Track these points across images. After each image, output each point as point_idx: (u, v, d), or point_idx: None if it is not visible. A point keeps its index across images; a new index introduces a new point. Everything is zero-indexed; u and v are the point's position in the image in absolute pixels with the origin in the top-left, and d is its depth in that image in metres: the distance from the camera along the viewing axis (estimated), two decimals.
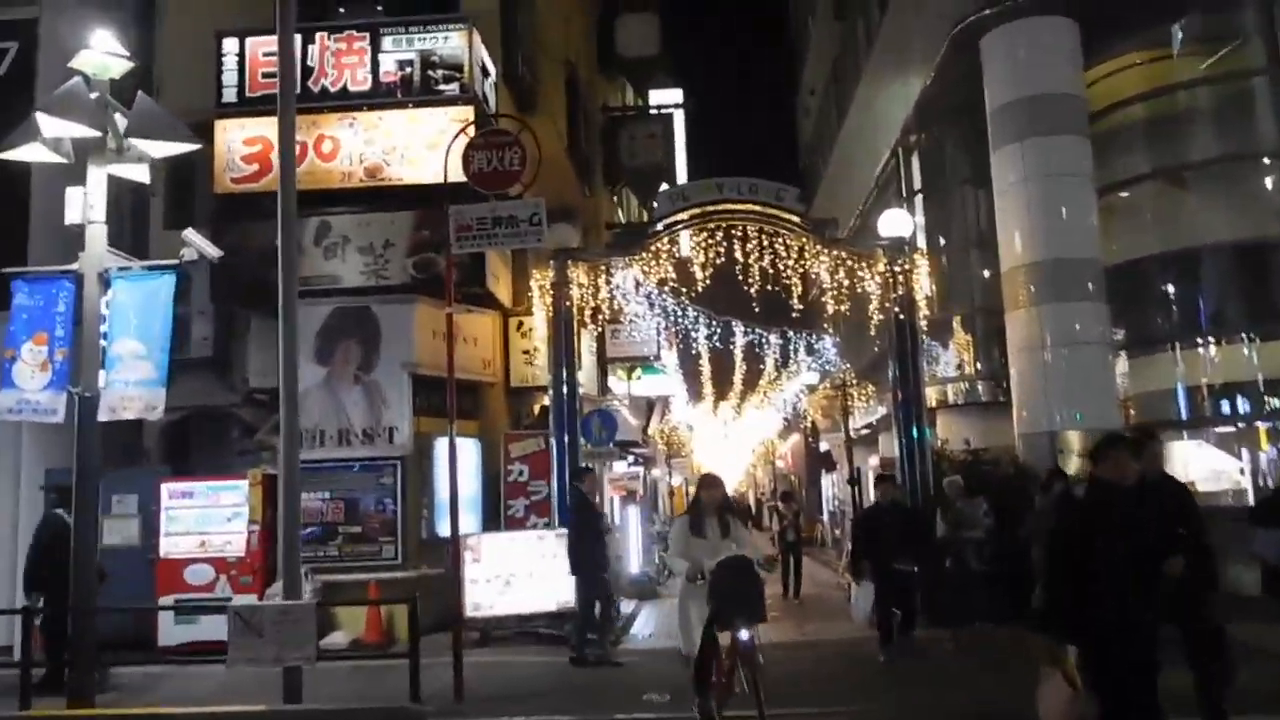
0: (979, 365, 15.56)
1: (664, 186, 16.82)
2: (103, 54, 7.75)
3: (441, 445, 11.39)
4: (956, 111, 15.62)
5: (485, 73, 12.19)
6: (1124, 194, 13.27)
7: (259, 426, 11.80)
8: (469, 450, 11.82)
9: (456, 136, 8.95)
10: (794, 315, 12.46)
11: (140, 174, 8.50)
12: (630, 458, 25.87)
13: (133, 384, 7.97)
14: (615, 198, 20.89)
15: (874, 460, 19.65)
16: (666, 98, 21.73)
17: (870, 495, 20.58)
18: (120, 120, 7.93)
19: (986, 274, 15.63)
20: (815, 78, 27.27)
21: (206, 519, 10.68)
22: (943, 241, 16.69)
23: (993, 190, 13.14)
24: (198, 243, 8.35)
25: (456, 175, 8.54)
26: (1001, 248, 12.57)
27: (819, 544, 24.99)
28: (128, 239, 12.48)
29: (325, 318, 11.16)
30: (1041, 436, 11.79)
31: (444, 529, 11.23)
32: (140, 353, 8.31)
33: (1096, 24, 12.41)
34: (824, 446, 24.03)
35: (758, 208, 11.95)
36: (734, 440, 31.38)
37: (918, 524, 9.24)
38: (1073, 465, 11.12)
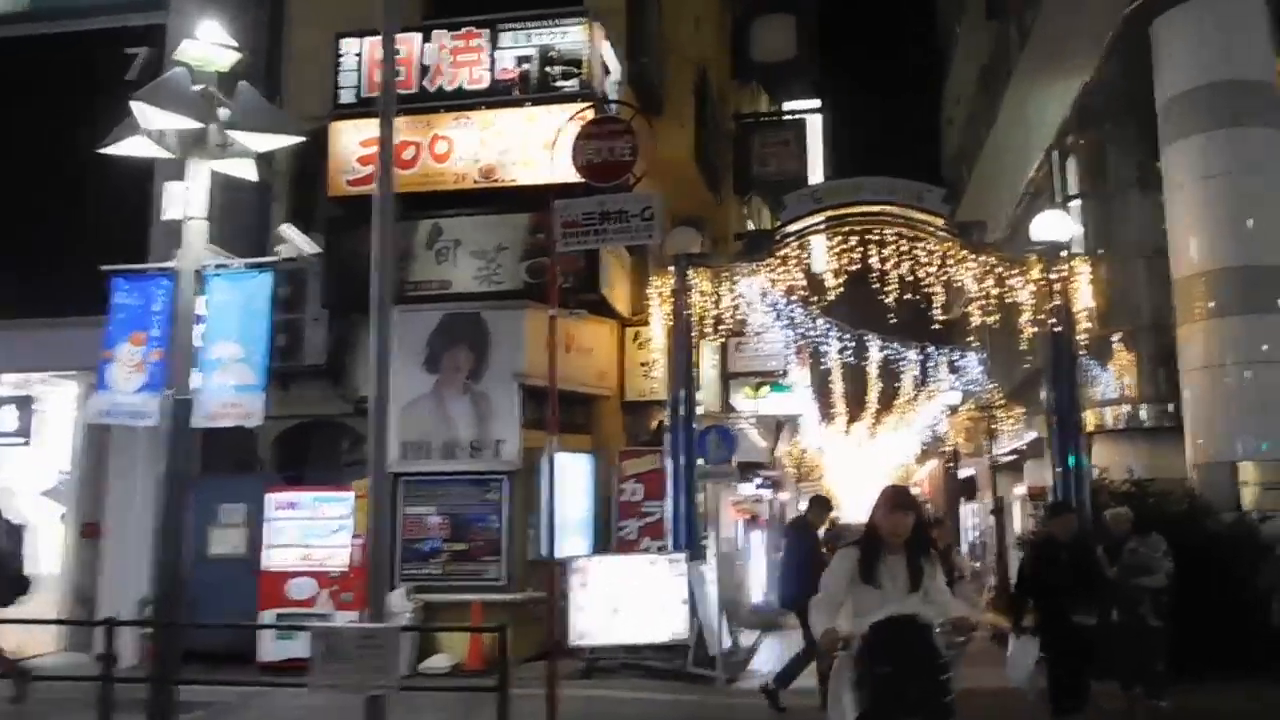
0: (1143, 387, 14.03)
1: None
2: (208, 44, 7.41)
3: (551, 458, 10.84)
4: (1121, 109, 14.24)
5: (607, 70, 11.62)
6: None
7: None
8: (580, 467, 11.20)
9: (569, 121, 8.32)
10: (935, 328, 11.35)
11: (245, 170, 8.12)
12: (757, 479, 24.96)
13: (230, 389, 7.55)
14: (745, 208, 20.06)
15: (1020, 489, 18.14)
16: (803, 106, 20.82)
17: (1016, 524, 19.11)
18: (224, 113, 7.58)
19: (1152, 287, 14.15)
20: (961, 86, 25.87)
21: (310, 531, 10.34)
22: (1101, 252, 15.19)
23: (1163, 192, 11.80)
24: (294, 238, 7.94)
25: (570, 175, 8.00)
26: (1174, 254, 11.20)
27: (957, 578, 23.46)
28: (250, 242, 12.45)
29: (435, 324, 10.72)
30: (1220, 467, 10.39)
31: (554, 550, 10.66)
32: (239, 355, 7.90)
33: None
34: (964, 473, 22.51)
35: (897, 210, 10.96)
36: (868, 464, 29.86)
37: (1095, 567, 7.43)
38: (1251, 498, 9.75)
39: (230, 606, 9.55)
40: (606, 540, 11.16)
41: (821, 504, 9.42)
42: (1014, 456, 18.59)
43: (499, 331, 10.61)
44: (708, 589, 9.98)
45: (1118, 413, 14.36)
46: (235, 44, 7.38)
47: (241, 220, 11.76)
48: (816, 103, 21.45)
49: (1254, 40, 10.78)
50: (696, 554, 10.38)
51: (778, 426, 23.53)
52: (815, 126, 19.84)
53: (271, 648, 9.60)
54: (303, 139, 8.31)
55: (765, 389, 17.33)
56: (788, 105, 20.94)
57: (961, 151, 25.17)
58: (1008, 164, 18.63)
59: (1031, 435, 15.78)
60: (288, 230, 7.99)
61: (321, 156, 11.41)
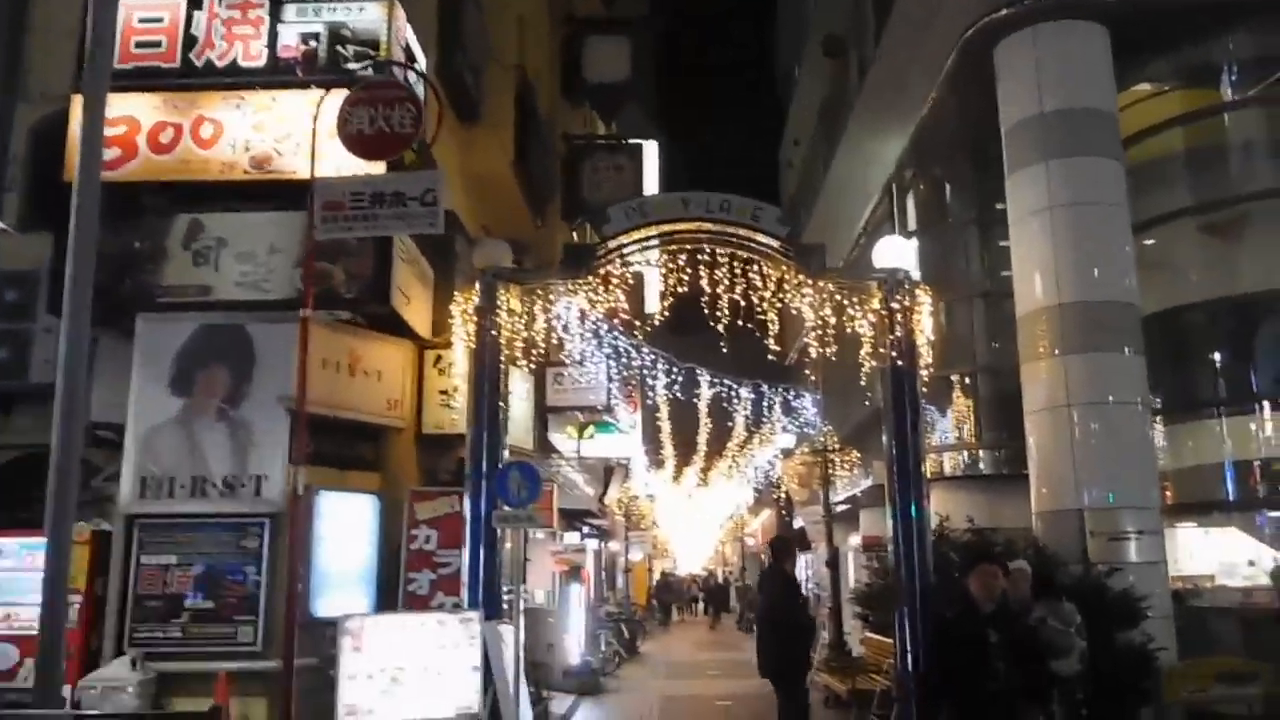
0: (982, 433, 13.58)
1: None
2: None
3: (327, 502, 9.31)
4: (959, 142, 13.99)
5: (411, 58, 10.29)
6: (1159, 232, 11.45)
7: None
8: (363, 509, 9.67)
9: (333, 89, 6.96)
10: (769, 358, 10.43)
11: None
12: (584, 529, 23.73)
13: None
14: (575, 234, 18.98)
15: (855, 539, 17.54)
16: (638, 136, 20.00)
17: (850, 577, 18.36)
18: None
19: (991, 328, 13.81)
20: (800, 127, 25.83)
21: (15, 585, 8.42)
22: (936, 292, 14.85)
23: (1002, 227, 11.36)
24: None
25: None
26: (1018, 288, 10.69)
27: None
28: None
29: (187, 337, 9.04)
30: (1065, 515, 9.78)
31: (324, 607, 9.06)
32: None
33: (1128, 36, 10.72)
34: (799, 523, 21.89)
35: (729, 229, 10.04)
36: (701, 513, 29.13)
37: (1038, 649, 5.51)
38: (1106, 551, 9.15)
39: None
40: (393, 596, 9.61)
41: (789, 547, 9.12)
42: (847, 506, 18.02)
43: (266, 347, 9.02)
44: (505, 652, 8.61)
45: (955, 459, 13.89)
46: None
47: None
48: (653, 144, 20.76)
49: (1096, 69, 10.48)
50: (495, 611, 9.01)
51: (607, 471, 22.44)
52: (652, 155, 19.02)
53: None
54: None
55: (590, 430, 16.18)
56: (622, 135, 20.10)
57: (801, 193, 25.01)
58: (846, 204, 18.31)
59: (867, 483, 15.16)
60: None
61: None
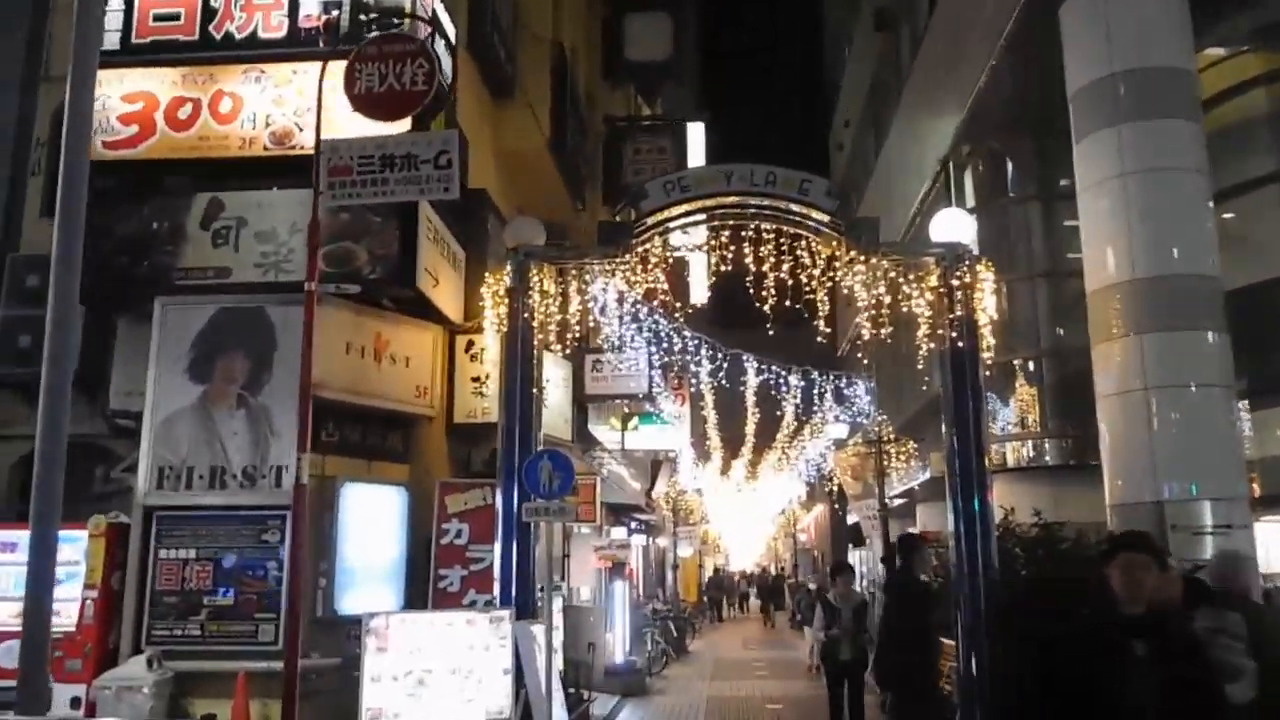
0: (1046, 421, 12.84)
1: None
2: None
3: (352, 493, 8.90)
4: (1019, 114, 13.27)
5: (439, 29, 9.83)
6: (1241, 202, 10.65)
7: None
8: (391, 502, 9.27)
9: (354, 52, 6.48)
10: (819, 341, 9.82)
11: None
12: (632, 524, 23.25)
13: None
14: (617, 218, 18.46)
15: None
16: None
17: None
18: None
19: (1055, 309, 13.05)
20: (850, 108, 25.09)
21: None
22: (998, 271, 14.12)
23: (1066, 202, 10.64)
24: None
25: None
26: (1088, 263, 9.96)
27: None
28: None
29: (205, 321, 8.67)
30: (1143, 509, 9.05)
31: (349, 604, 8.66)
32: None
33: None
34: (853, 517, 21.19)
35: (776, 203, 9.43)
36: (751, 508, 28.47)
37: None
38: (1189, 546, 8.41)
39: None
40: (422, 593, 9.18)
41: (917, 546, 8.96)
42: (903, 501, 17.33)
43: (287, 332, 8.62)
44: (538, 653, 8.12)
45: (1018, 450, 13.15)
46: None
47: None
48: (698, 125, 20.16)
49: (1171, 24, 9.71)
50: (528, 609, 8.52)
51: (654, 465, 21.94)
52: (697, 136, 18.44)
53: None
54: None
55: (634, 421, 15.69)
56: (666, 116, 19.55)
57: (851, 175, 24.30)
58: (899, 184, 17.60)
59: (924, 476, 14.47)
60: None
61: None
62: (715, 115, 20.90)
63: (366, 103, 5.92)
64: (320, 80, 6.44)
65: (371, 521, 9.03)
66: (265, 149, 9.00)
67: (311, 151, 8.77)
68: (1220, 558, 6.04)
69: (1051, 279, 13.09)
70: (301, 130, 8.97)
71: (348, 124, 8.54)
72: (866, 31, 20.89)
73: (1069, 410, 12.78)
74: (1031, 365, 13.17)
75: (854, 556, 23.26)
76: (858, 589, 9.65)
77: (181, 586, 8.34)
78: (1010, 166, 13.72)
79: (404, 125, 8.55)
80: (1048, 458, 12.77)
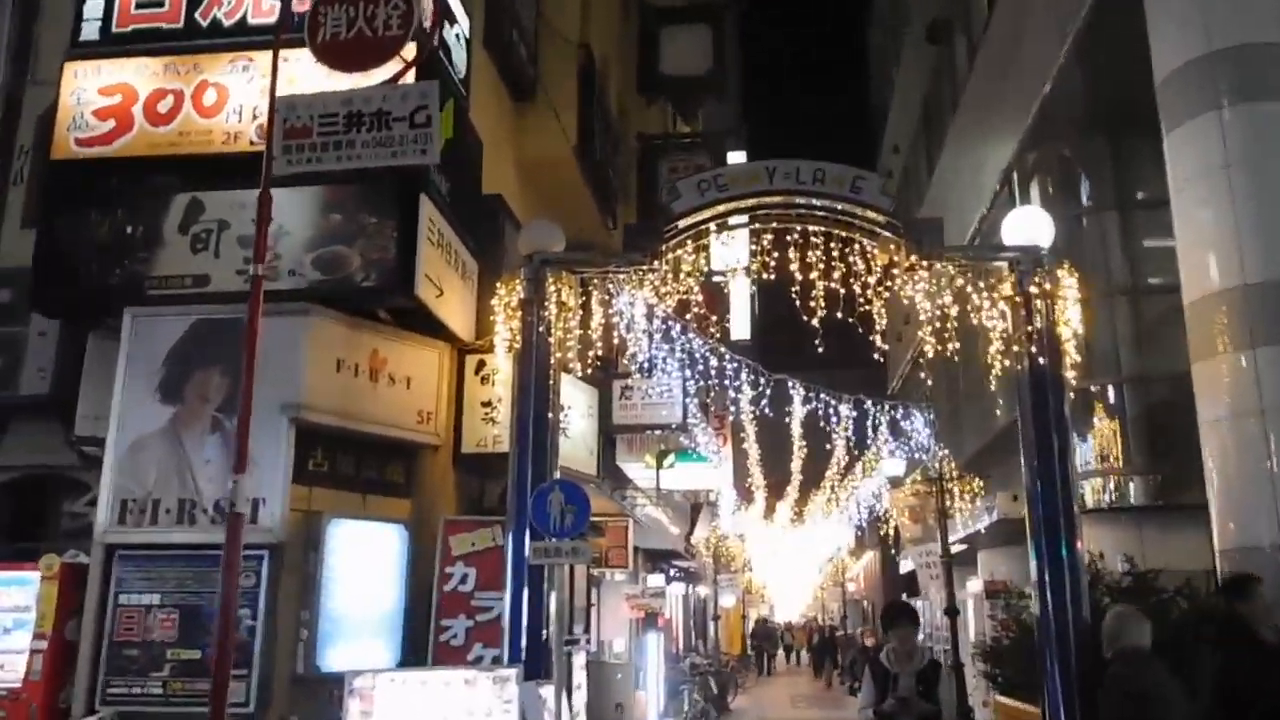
0: (1130, 456, 11.54)
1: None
2: None
3: (342, 532, 7.84)
4: (1092, 116, 12.10)
5: (449, 18, 8.96)
6: None
7: None
8: (388, 542, 8.20)
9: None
10: (877, 358, 8.67)
11: None
12: (670, 570, 21.99)
13: None
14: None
15: (974, 584, 15.45)
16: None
17: (971, 629, 16.01)
18: None
19: (1137, 330, 11.81)
20: (899, 132, 24.02)
21: None
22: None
23: (1146, 211, 9.47)
24: None
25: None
26: (1185, 270, 8.74)
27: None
28: None
29: (180, 335, 7.75)
30: (1260, 554, 7.74)
31: (335, 659, 7.57)
32: None
33: None
34: (906, 565, 19.77)
35: (825, 203, 8.37)
36: (797, 556, 27.04)
37: None
38: None
39: None
40: (422, 647, 8.08)
41: (1250, 588, 6.45)
42: (964, 547, 15.96)
43: (271, 346, 7.55)
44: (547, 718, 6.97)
45: (1098, 488, 11.84)
46: None
47: None
48: (740, 155, 19.18)
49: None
50: (539, 667, 7.39)
51: (694, 509, 20.76)
52: (737, 159, 17.49)
53: None
54: None
55: (671, 458, 14.56)
56: (704, 135, 18.62)
57: (903, 201, 23.17)
58: (956, 203, 16.47)
59: (990, 518, 13.14)
60: None
61: None
62: (756, 134, 19.97)
63: (332, 53, 5.00)
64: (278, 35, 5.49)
65: (364, 564, 7.97)
66: (252, 144, 8.10)
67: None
68: None
69: (1132, 296, 11.84)
70: None
71: None
72: (917, 46, 19.89)
73: (1155, 444, 11.48)
74: (1111, 393, 11.89)
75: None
76: (922, 642, 7.49)
77: (143, 637, 7.33)
78: (1083, 174, 12.55)
79: None
80: (1132, 497, 11.45)
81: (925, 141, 20.34)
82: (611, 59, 15.26)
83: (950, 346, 8.35)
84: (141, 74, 8.38)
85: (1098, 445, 11.78)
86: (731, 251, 15.31)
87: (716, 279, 14.76)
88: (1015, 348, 8.04)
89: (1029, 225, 8.29)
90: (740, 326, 20.87)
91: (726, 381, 10.33)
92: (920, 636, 8.32)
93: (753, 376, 10.50)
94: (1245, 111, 8.30)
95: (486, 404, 9.03)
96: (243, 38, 8.38)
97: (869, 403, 11.86)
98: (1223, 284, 8.28)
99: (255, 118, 8.13)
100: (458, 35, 9.24)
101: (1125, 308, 11.85)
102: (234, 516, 4.95)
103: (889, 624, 7.33)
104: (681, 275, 8.63)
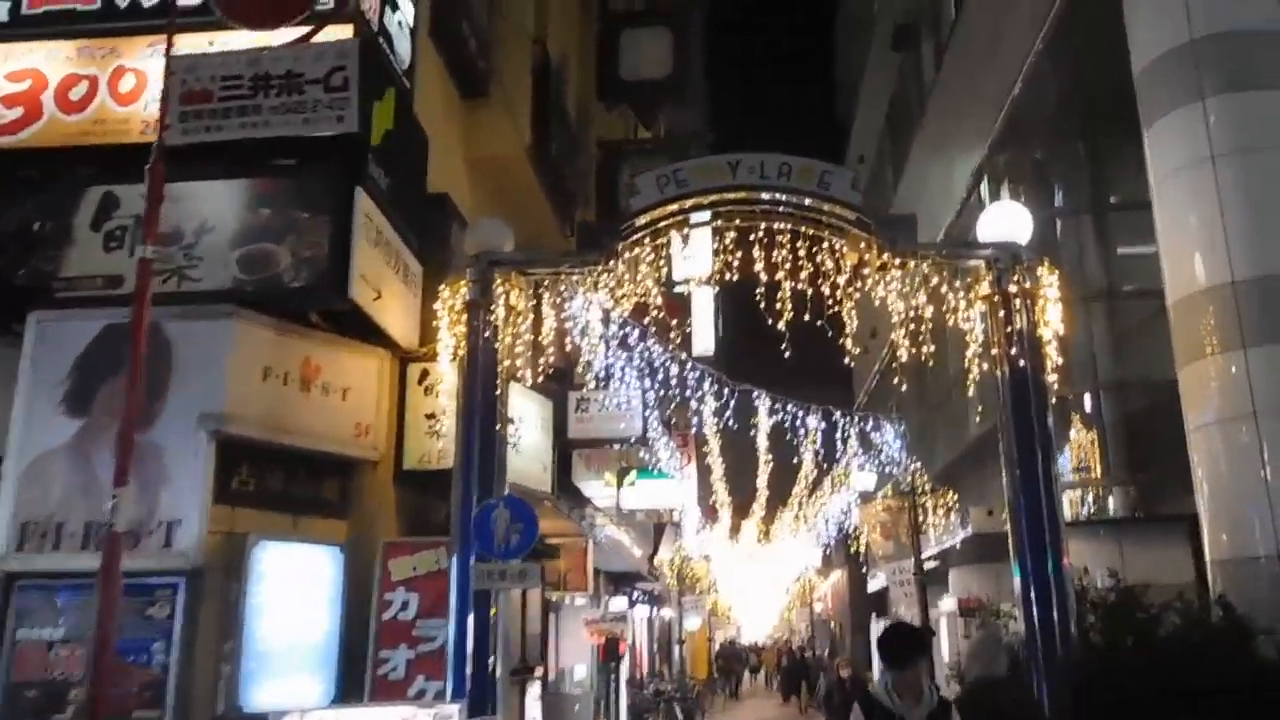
0: (1109, 466, 11.14)
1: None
2: None
3: (270, 555, 7.18)
4: (1065, 115, 11.74)
5: (389, 2, 8.39)
6: None
7: None
8: (321, 566, 7.53)
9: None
10: (848, 364, 8.19)
11: None
12: (634, 594, 21.35)
13: None
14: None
15: (947, 603, 14.96)
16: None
17: (944, 649, 15.49)
18: None
19: (1113, 335, 11.44)
20: (864, 143, 23.72)
21: None
22: None
23: (1121, 214, 9.09)
24: None
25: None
26: (1169, 267, 8.37)
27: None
28: None
29: (89, 340, 7.07)
30: (1256, 566, 7.33)
31: (262, 697, 6.89)
32: None
33: None
34: (877, 583, 19.27)
35: (791, 198, 7.90)
36: (763, 576, 26.48)
37: None
38: None
39: None
40: (360, 680, 7.42)
41: None
42: (935, 564, 15.50)
43: (189, 353, 7.03)
44: None
45: (1074, 500, 11.42)
46: None
47: None
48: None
49: None
50: (485, 701, 6.79)
51: (657, 529, 20.17)
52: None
53: None
54: None
55: (631, 475, 13.98)
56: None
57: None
58: (924, 211, 16.06)
59: (964, 533, 12.68)
60: None
61: None
62: (720, 140, 19.53)
63: (237, 8, 4.41)
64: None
65: (295, 591, 7.30)
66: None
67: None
68: None
69: (1108, 301, 11.48)
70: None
71: None
72: (882, 54, 19.58)
73: (1135, 453, 11.10)
74: (1088, 402, 11.49)
75: (876, 627, 21.27)
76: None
77: (44, 675, 6.60)
78: (1056, 176, 12.20)
79: None
80: (1111, 509, 11.03)
81: (891, 151, 20.02)
82: (571, 60, 14.77)
83: (924, 350, 7.89)
84: (53, 59, 7.74)
85: (1075, 456, 11.38)
86: (694, 265, 14.79)
87: (679, 289, 14.29)
88: (994, 350, 7.62)
89: (1006, 220, 7.88)
90: (703, 341, 20.35)
91: (689, 392, 9.79)
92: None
93: (716, 387, 9.97)
94: (1231, 101, 7.96)
95: (430, 416, 8.41)
96: (164, 20, 7.74)
97: (838, 414, 11.37)
98: (1209, 281, 7.90)
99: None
100: (401, 23, 8.67)
101: (1101, 313, 11.48)
102: (112, 537, 4.34)
103: (895, 654, 5.31)
104: (639, 277, 8.13)
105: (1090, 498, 11.26)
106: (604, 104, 16.29)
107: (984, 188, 13.51)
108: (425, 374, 8.51)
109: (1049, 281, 7.63)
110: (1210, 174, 7.90)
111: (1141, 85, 8.71)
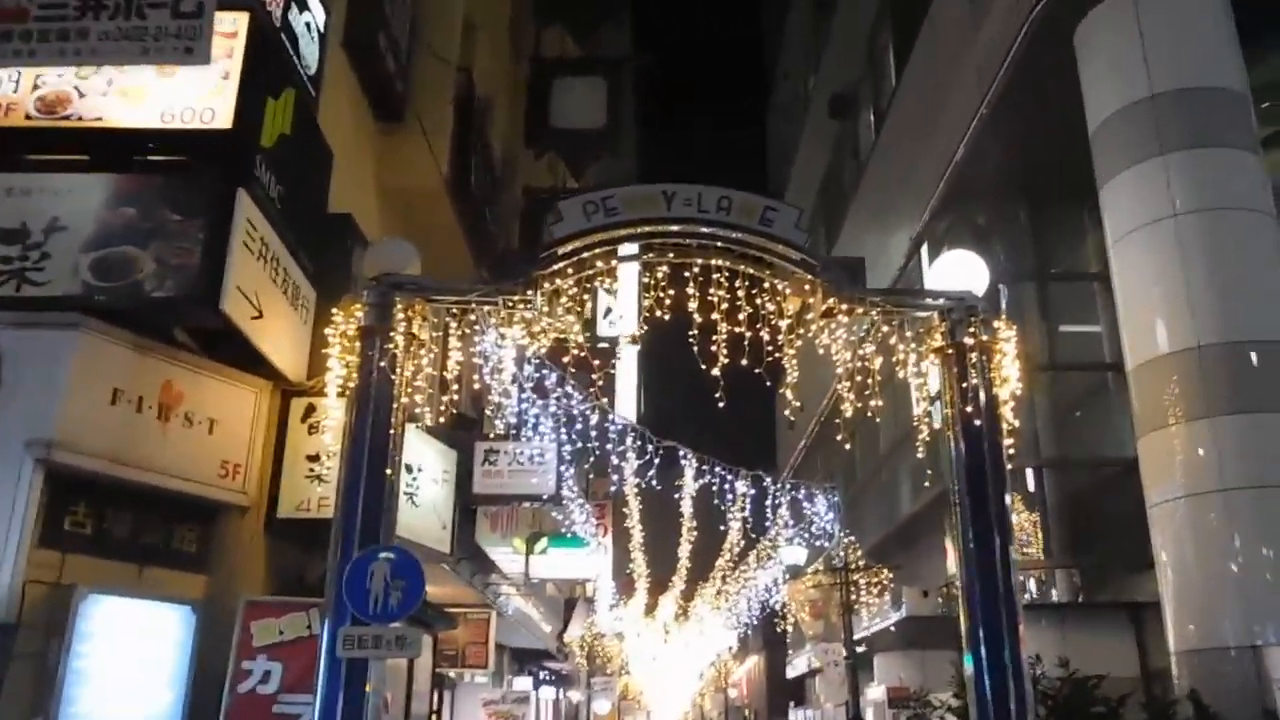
0: (1052, 549, 10.53)
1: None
2: None
3: (101, 611, 6.08)
4: (1007, 181, 11.41)
5: (299, 3, 7.61)
6: None
7: None
8: (166, 627, 6.41)
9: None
10: (790, 421, 7.43)
11: None
12: (541, 673, 20.18)
13: None
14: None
15: (875, 692, 14.13)
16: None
17: None
18: None
19: (1059, 410, 10.94)
20: (800, 203, 23.51)
21: None
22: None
23: (1064, 286, 8.62)
24: None
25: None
26: (1127, 332, 7.87)
27: None
28: None
29: None
30: (1225, 656, 6.66)
31: None
32: None
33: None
34: (796, 669, 18.37)
35: (731, 234, 7.21)
36: (679, 658, 25.34)
37: None
38: None
39: None
40: None
41: None
42: (863, 649, 14.70)
43: (20, 366, 5.98)
44: None
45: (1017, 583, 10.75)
46: None
47: None
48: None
49: (1218, 38, 7.90)
50: None
51: (568, 604, 19.09)
52: None
53: None
54: None
55: (543, 542, 12.97)
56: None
57: None
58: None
59: (898, 614, 11.91)
60: None
61: None
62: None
63: None
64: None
65: (132, 656, 6.18)
66: (28, 118, 6.50)
67: (97, 124, 6.47)
68: None
69: (1051, 374, 11.00)
70: (83, 96, 6.50)
71: (152, 89, 6.20)
72: (818, 123, 19.36)
73: (1077, 535, 10.52)
74: (1030, 479, 10.92)
75: (797, 718, 20.30)
76: None
77: None
78: (997, 244, 11.79)
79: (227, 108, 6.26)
80: (1054, 594, 10.39)
81: (825, 214, 19.69)
82: (498, 102, 14.13)
83: (868, 406, 7.19)
84: None
85: (1017, 535, 10.78)
86: (619, 327, 14.02)
87: (601, 345, 13.52)
88: (947, 410, 6.95)
89: (960, 271, 7.28)
90: (627, 405, 19.56)
91: (610, 447, 8.93)
92: None
93: (639, 444, 9.14)
94: (1194, 157, 7.53)
95: (313, 458, 7.41)
96: None
97: (767, 480, 10.61)
98: (1172, 346, 7.38)
99: (37, 88, 6.53)
100: (310, 24, 7.89)
101: (1044, 385, 10.99)
102: None
103: None
104: (559, 313, 7.33)
105: (1033, 583, 10.62)
106: (532, 150, 15.64)
107: (924, 253, 13.08)
108: (311, 410, 7.53)
109: (1006, 336, 7.01)
110: (1172, 232, 7.45)
111: (1098, 141, 8.29)
